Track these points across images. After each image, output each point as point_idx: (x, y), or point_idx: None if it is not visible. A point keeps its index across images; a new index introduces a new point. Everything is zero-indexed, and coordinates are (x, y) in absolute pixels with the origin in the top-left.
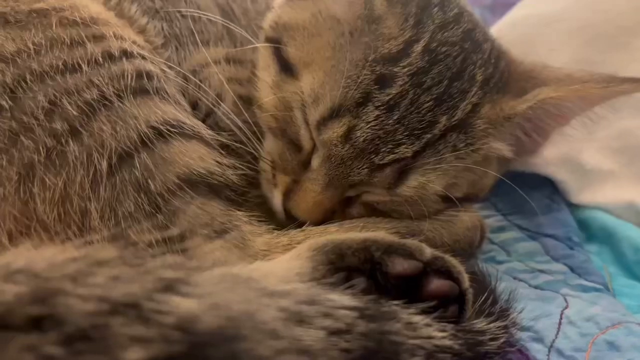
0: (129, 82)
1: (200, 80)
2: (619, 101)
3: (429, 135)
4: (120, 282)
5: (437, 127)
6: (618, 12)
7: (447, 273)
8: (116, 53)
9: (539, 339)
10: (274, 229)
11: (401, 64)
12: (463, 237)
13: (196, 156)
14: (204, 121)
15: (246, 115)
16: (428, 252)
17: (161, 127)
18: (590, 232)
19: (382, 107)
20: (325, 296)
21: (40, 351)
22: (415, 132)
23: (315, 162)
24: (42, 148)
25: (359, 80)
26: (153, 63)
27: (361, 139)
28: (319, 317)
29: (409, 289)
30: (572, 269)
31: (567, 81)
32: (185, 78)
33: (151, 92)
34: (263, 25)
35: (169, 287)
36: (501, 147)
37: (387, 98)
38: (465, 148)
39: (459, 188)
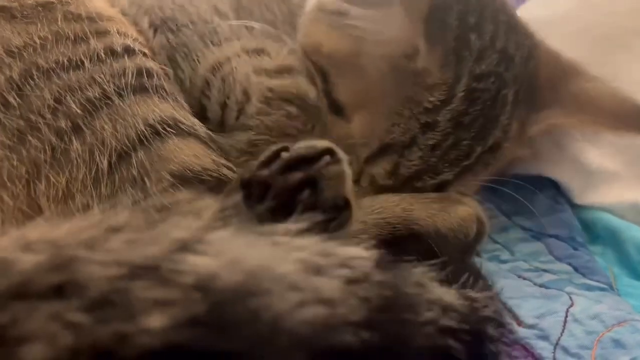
0: (129, 79)
1: (223, 79)
2: None
3: (466, 163)
4: (136, 245)
5: (473, 156)
6: (621, 13)
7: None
8: (119, 49)
9: (545, 337)
10: None
11: (444, 111)
12: (457, 227)
13: (192, 153)
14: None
15: (277, 113)
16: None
17: (158, 125)
18: (594, 232)
19: (425, 148)
20: (339, 249)
21: (65, 318)
22: (455, 162)
23: (364, 182)
24: (48, 147)
25: (406, 126)
26: (154, 61)
27: (405, 174)
28: (336, 267)
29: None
30: (576, 269)
31: (589, 107)
32: (207, 81)
33: (150, 90)
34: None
35: (185, 246)
36: (521, 153)
37: (431, 142)
38: (494, 161)
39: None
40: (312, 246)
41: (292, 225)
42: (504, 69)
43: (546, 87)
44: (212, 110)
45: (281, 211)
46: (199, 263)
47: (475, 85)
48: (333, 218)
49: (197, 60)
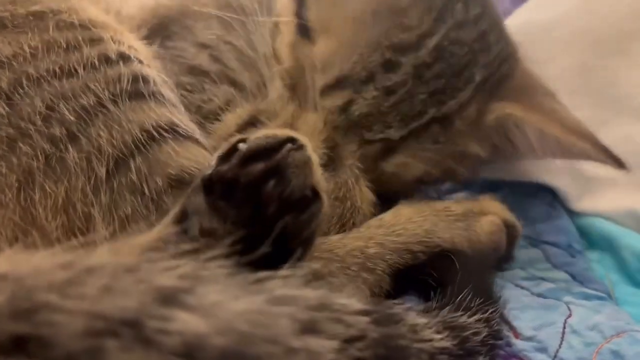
0: (125, 86)
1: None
2: (619, 105)
3: (415, 124)
4: (115, 292)
5: (424, 118)
6: (618, 17)
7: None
8: (113, 56)
9: (543, 349)
10: None
11: (409, 55)
12: (486, 242)
13: (189, 156)
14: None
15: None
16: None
17: (154, 130)
18: (591, 239)
19: (382, 89)
20: (335, 300)
21: None
22: (405, 118)
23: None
24: (41, 154)
25: (368, 61)
26: (150, 67)
27: (356, 113)
28: (331, 323)
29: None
30: (574, 277)
31: (549, 113)
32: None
33: (146, 95)
34: None
35: (171, 298)
36: (477, 148)
37: (388, 83)
38: (444, 142)
39: (434, 173)
40: (307, 297)
41: (285, 272)
42: (479, 48)
43: (516, 90)
44: None
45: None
46: (186, 321)
47: (446, 46)
48: (301, 211)
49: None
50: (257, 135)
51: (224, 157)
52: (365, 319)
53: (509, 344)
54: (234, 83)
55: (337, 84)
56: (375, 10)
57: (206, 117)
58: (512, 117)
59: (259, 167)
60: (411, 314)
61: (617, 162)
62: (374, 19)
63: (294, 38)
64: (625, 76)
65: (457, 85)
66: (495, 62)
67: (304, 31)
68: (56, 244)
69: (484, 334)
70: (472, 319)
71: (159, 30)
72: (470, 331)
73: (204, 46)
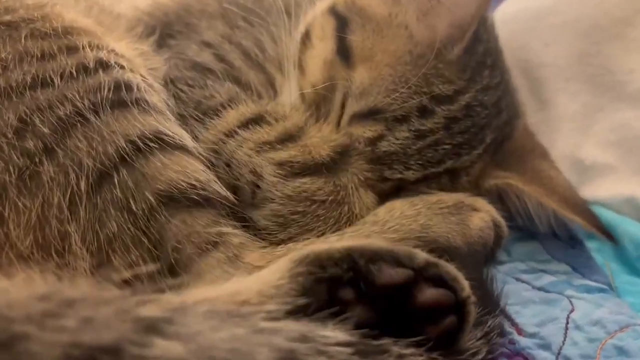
0: (105, 94)
1: (226, 164)
2: (615, 91)
3: (433, 170)
4: (95, 324)
5: (441, 167)
6: (612, 2)
7: (441, 280)
8: (91, 64)
9: (546, 346)
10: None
11: (444, 107)
12: (477, 238)
13: (178, 169)
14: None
15: (293, 183)
16: (421, 257)
17: (140, 141)
18: None
19: (413, 132)
20: (318, 332)
21: None
22: (426, 164)
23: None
24: (13, 168)
25: (406, 101)
26: (133, 71)
27: (383, 149)
28: (314, 355)
29: (399, 299)
30: (574, 268)
31: (546, 183)
32: (212, 162)
33: (129, 103)
34: None
35: (152, 327)
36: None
37: (421, 128)
38: (448, 189)
39: None
40: (289, 329)
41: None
42: (494, 113)
43: (515, 154)
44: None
45: None
46: (166, 347)
47: (473, 105)
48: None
49: (197, 135)
50: (395, 270)
51: (397, 263)
52: (348, 350)
53: (512, 342)
54: (238, 82)
55: (369, 114)
56: (421, 55)
57: (205, 112)
58: (513, 187)
59: (435, 296)
60: (399, 344)
61: (608, 236)
62: (419, 61)
63: (331, 57)
64: (621, 62)
65: (473, 144)
66: (502, 126)
67: (344, 53)
68: (32, 263)
69: (483, 354)
70: (470, 342)
71: (160, 29)
72: (470, 352)
73: (208, 45)
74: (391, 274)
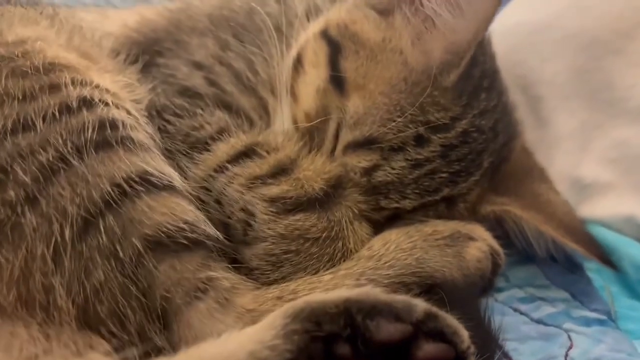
0: (89, 135)
1: (217, 201)
2: (614, 108)
3: (429, 198)
4: None
5: (438, 195)
6: (612, 16)
7: (440, 334)
8: (74, 104)
9: None
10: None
11: (440, 135)
12: (474, 270)
13: (165, 211)
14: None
15: (286, 221)
16: (419, 309)
17: (126, 184)
18: None
19: (409, 161)
20: None
21: None
22: (422, 192)
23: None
24: None
25: (402, 130)
26: (117, 107)
27: (379, 179)
28: None
29: (398, 354)
30: (573, 296)
31: (545, 208)
32: (202, 199)
33: (115, 143)
34: (327, 15)
35: None
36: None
37: (418, 157)
38: (444, 216)
39: None
40: None
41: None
42: (491, 137)
43: (512, 177)
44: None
45: None
46: None
47: (470, 132)
48: None
49: (185, 171)
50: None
51: (395, 317)
52: None
53: None
54: (229, 108)
55: (364, 144)
56: (416, 82)
57: (194, 146)
58: (510, 214)
59: (435, 351)
60: None
61: (608, 263)
62: (414, 89)
63: (324, 85)
64: (620, 78)
65: (470, 170)
66: (499, 149)
67: (337, 81)
68: (15, 319)
69: None
70: None
71: (147, 46)
72: None
73: (198, 66)
74: (389, 331)
